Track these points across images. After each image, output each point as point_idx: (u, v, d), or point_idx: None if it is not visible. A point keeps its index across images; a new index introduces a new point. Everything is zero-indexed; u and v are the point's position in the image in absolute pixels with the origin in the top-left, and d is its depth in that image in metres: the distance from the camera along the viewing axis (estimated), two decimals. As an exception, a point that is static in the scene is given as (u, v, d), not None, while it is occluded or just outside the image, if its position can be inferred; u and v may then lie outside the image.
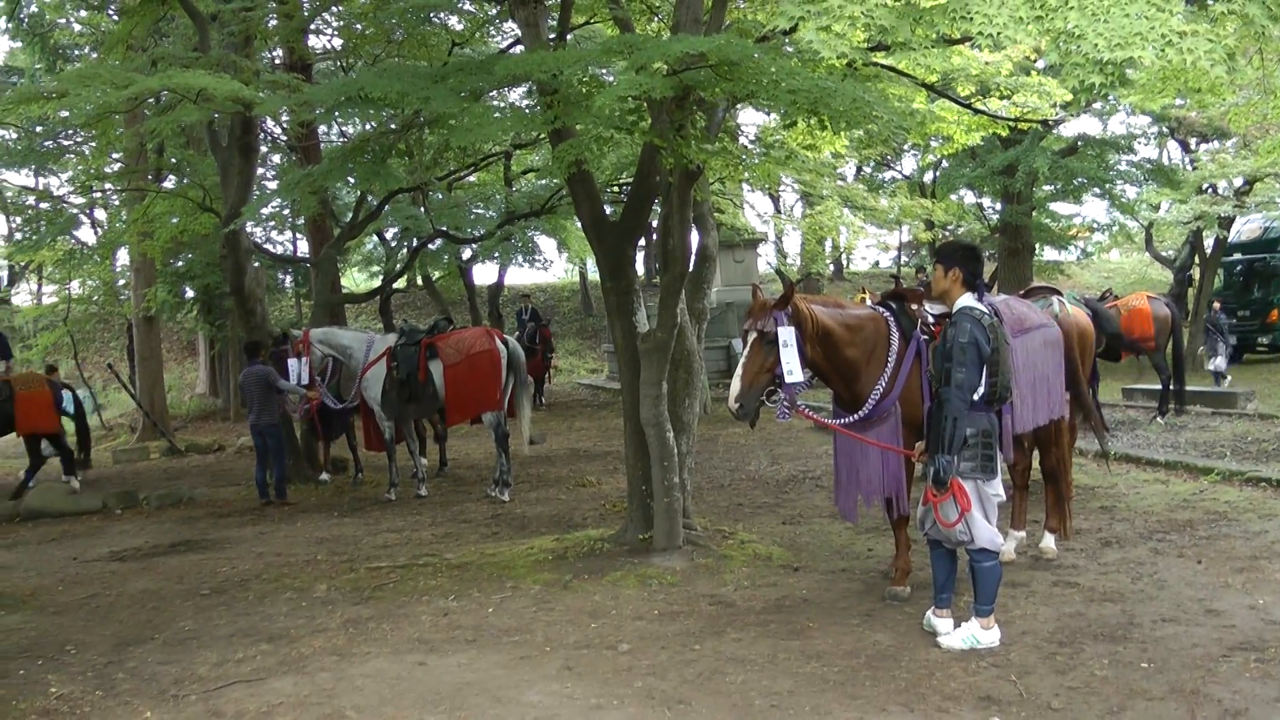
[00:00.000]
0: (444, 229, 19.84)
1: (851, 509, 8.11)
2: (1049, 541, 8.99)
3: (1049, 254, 38.35)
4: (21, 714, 6.49)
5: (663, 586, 8.50)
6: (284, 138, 24.81)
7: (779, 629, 7.31)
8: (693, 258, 9.87)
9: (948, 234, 33.78)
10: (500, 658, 7.01)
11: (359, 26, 18.78)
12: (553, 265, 36.54)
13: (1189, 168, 29.02)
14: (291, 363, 14.23)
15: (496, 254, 25.90)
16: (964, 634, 6.75)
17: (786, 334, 7.40)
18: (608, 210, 10.59)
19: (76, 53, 31.18)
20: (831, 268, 42.35)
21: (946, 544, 6.92)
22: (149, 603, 9.32)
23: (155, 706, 6.52)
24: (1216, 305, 24.00)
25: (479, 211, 21.70)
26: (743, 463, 15.26)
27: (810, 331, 7.57)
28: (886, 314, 7.93)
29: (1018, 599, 7.71)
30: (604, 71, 10.08)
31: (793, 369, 7.39)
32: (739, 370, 7.58)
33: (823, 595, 8.13)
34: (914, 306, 7.96)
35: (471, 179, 24.08)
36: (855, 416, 7.74)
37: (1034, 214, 28.45)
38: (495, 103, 11.00)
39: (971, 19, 5.81)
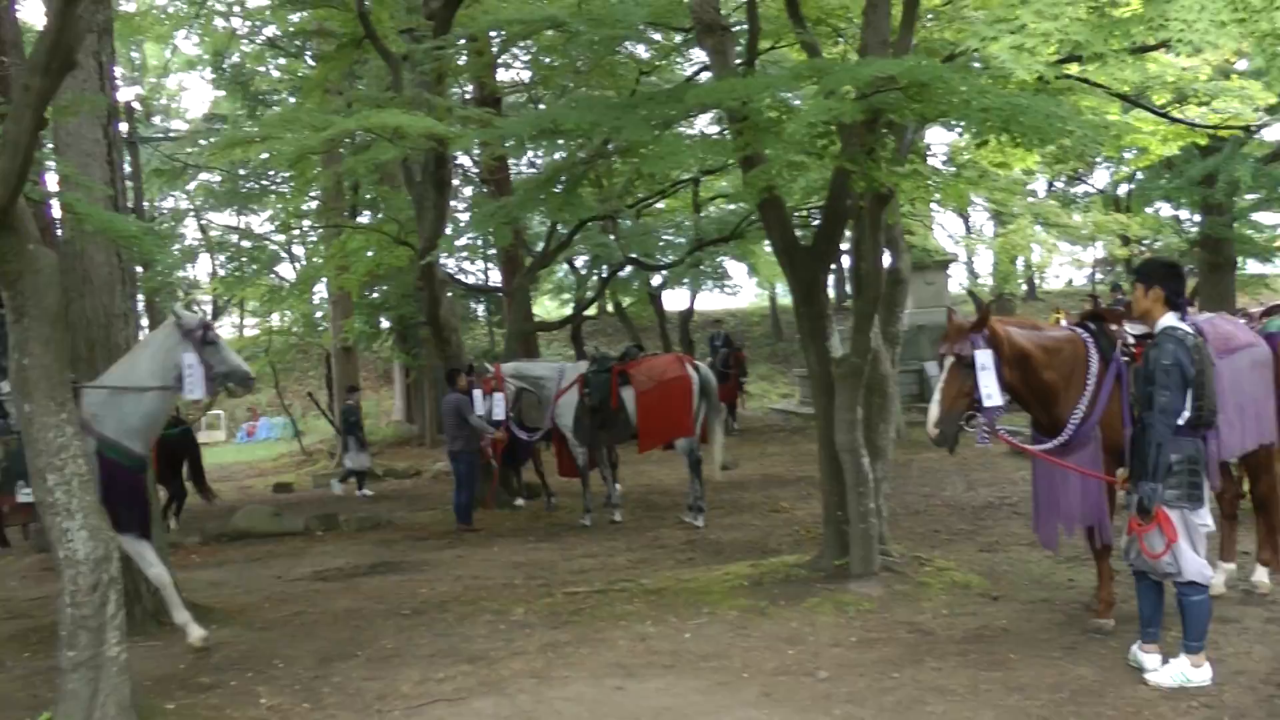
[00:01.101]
0: (634, 256, 20.02)
1: (1052, 537, 7.90)
2: (1261, 575, 8.48)
3: (1252, 267, 36.84)
4: (234, 722, 6.72)
5: (860, 613, 8.41)
6: (475, 170, 25.35)
7: (979, 659, 7.16)
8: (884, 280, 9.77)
9: (1144, 250, 32.67)
10: (698, 683, 7.01)
11: (547, 59, 19.12)
12: (742, 290, 36.49)
13: None
14: (479, 396, 14.45)
15: (687, 280, 26.03)
16: (1173, 671, 6.49)
17: (984, 357, 7.25)
18: (798, 234, 10.53)
19: (275, 98, 32.30)
20: (1024, 287, 41.38)
21: (1152, 576, 6.64)
22: (351, 621, 9.60)
23: (360, 720, 6.72)
24: None
25: (668, 238, 21.82)
26: (938, 488, 15.01)
27: (1007, 354, 7.39)
28: (1085, 335, 7.69)
29: (1229, 636, 7.37)
30: (791, 96, 10.05)
31: (991, 393, 7.24)
32: (936, 395, 7.45)
33: (1023, 626, 7.93)
34: (1113, 327, 7.72)
35: (660, 205, 24.24)
36: (1055, 442, 7.56)
37: (1236, 225, 27.23)
38: (684, 130, 11.08)
39: (1168, 25, 5.64)
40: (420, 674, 7.64)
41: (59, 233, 11.64)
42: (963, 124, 8.49)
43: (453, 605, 9.92)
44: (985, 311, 7.42)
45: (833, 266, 21.07)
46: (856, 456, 9.17)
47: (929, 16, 11.36)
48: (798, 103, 9.15)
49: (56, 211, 12.34)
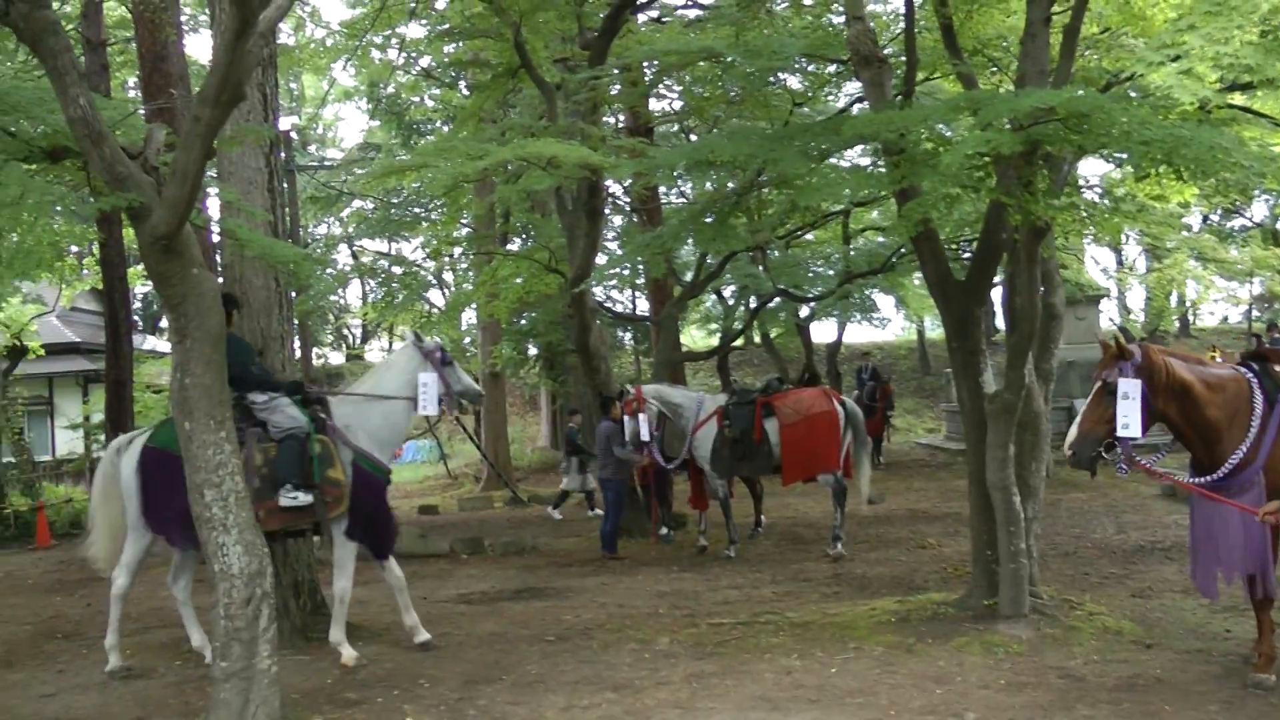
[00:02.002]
0: (783, 287, 19.93)
1: (1210, 584, 7.62)
2: None
3: None
4: (381, 741, 6.81)
5: (1009, 655, 8.24)
6: (625, 199, 25.51)
7: (1132, 709, 6.95)
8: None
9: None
10: (845, 719, 6.92)
11: (699, 90, 19.17)
12: (890, 323, 36.18)
13: None
14: (628, 421, 14.40)
15: (835, 311, 25.83)
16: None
17: (1128, 386, 7.09)
18: (950, 268, 10.40)
19: (429, 127, 32.89)
20: (1177, 324, 40.40)
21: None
22: (496, 644, 9.69)
23: (506, 746, 6.76)
24: None
25: (818, 269, 21.68)
26: (1087, 530, 14.64)
27: (1163, 384, 7.22)
28: (1249, 375, 7.49)
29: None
30: (944, 128, 9.94)
31: (1129, 422, 7.07)
32: (1077, 419, 7.40)
33: (1178, 676, 7.68)
34: (1277, 368, 7.50)
35: (809, 237, 24.13)
36: (1211, 478, 7.33)
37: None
38: (835, 162, 11.03)
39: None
40: (565, 700, 7.67)
41: (218, 257, 12.00)
42: (1123, 156, 8.31)
43: (597, 632, 9.96)
44: (1140, 342, 7.27)
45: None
46: (1008, 494, 9.00)
47: (1084, 46, 11.15)
48: (951, 135, 9.06)
49: (215, 237, 12.75)
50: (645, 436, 14.42)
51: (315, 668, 8.93)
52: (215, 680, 6.67)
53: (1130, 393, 7.09)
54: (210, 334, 6.72)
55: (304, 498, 8.89)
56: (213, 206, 11.04)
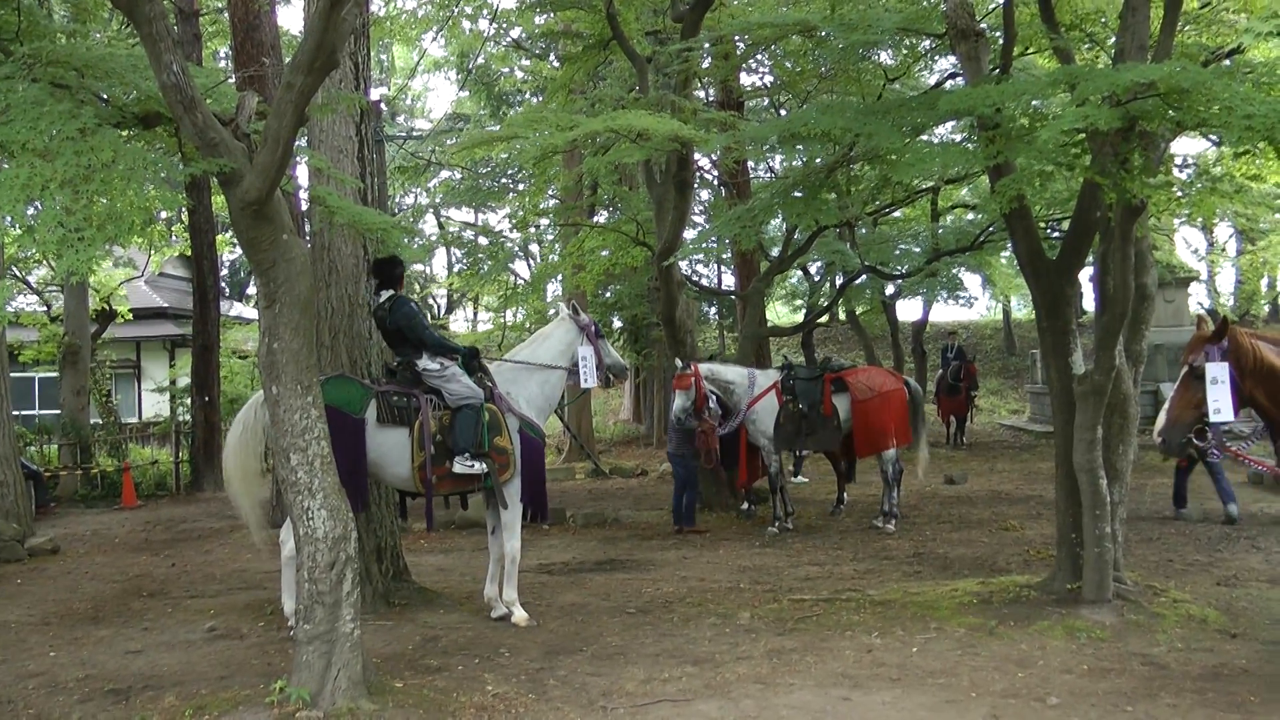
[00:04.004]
0: (870, 264, 19.78)
1: None
2: None
3: None
4: (461, 707, 6.88)
5: (1091, 640, 8.12)
6: (713, 173, 25.41)
7: (1217, 699, 6.81)
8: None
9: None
10: (925, 699, 6.88)
11: (790, 64, 19.06)
12: (976, 302, 35.83)
13: None
14: (678, 395, 14.34)
15: (922, 289, 25.63)
16: None
17: (1217, 370, 6.97)
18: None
19: (518, 98, 32.94)
20: (1267, 308, 39.66)
21: None
22: (577, 615, 9.73)
23: (585, 715, 6.81)
24: None
25: (905, 247, 21.49)
26: (1170, 517, 14.44)
27: (1250, 368, 7.07)
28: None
29: None
30: (1039, 104, 9.79)
31: (1220, 407, 6.95)
32: (1166, 405, 7.32)
33: (1264, 668, 7.51)
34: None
35: (897, 214, 23.93)
36: None
37: None
38: (927, 138, 10.91)
39: None
40: (645, 673, 7.69)
41: (306, 225, 12.10)
42: (1223, 133, 8.13)
43: (677, 606, 9.97)
44: (1224, 324, 7.13)
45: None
46: (1095, 477, 8.87)
47: (1184, 22, 10.95)
48: (1047, 111, 8.91)
49: (304, 204, 12.85)
50: (713, 416, 14.48)
51: (397, 633, 9.01)
52: (298, 643, 6.75)
53: (1219, 377, 6.98)
54: (299, 299, 6.77)
55: (479, 466, 9.24)
56: (302, 174, 11.11)
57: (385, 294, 9.55)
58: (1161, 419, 7.25)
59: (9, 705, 7.29)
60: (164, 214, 26.11)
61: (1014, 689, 7.07)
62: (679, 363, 14.66)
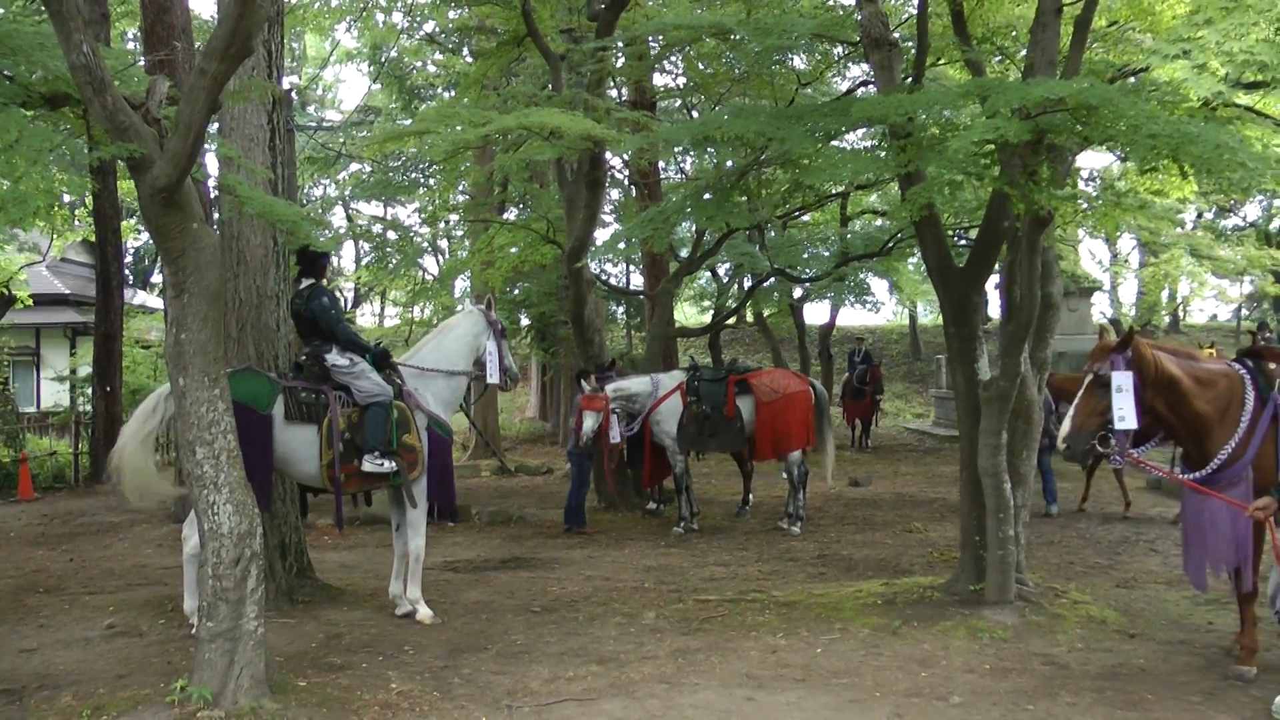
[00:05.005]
0: (779, 267, 19.95)
1: (1201, 577, 7.67)
2: None
3: None
4: (365, 705, 6.85)
5: (994, 640, 8.28)
6: (624, 172, 25.48)
7: (1115, 698, 6.99)
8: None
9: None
10: (829, 699, 6.97)
11: (704, 66, 19.16)
12: (883, 307, 36.24)
13: None
14: (586, 416, 14.36)
15: (830, 294, 25.90)
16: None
17: (1121, 379, 7.16)
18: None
19: (430, 92, 32.76)
20: (1167, 319, 40.52)
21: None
22: (482, 613, 9.72)
23: (490, 714, 6.81)
24: None
25: (814, 250, 21.70)
26: (1072, 520, 14.73)
27: (1152, 377, 7.27)
28: (1243, 371, 7.53)
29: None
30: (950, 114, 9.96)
31: (1125, 415, 7.13)
32: (1070, 411, 7.44)
33: (1160, 666, 7.72)
34: (1272, 366, 7.54)
35: (806, 218, 24.14)
36: (1199, 474, 7.40)
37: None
38: (838, 144, 11.05)
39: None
40: (550, 671, 7.71)
41: (215, 214, 11.96)
42: (1129, 150, 8.33)
43: (583, 605, 10.00)
44: (1129, 334, 7.33)
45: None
46: (999, 481, 9.04)
47: (1091, 39, 11.16)
48: (958, 121, 9.06)
49: (213, 193, 12.71)
50: (616, 438, 14.61)
51: (299, 631, 8.93)
52: (200, 640, 6.65)
53: (1124, 385, 7.15)
54: (208, 290, 6.69)
55: (389, 464, 9.17)
56: (210, 163, 10.97)
57: (306, 282, 9.49)
58: (1066, 426, 7.40)
59: (-106, 706, 7.14)
60: (67, 197, 25.66)
61: (917, 688, 7.19)
62: (585, 385, 14.71)
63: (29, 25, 7.80)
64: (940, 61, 13.90)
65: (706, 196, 11.83)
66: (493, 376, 10.23)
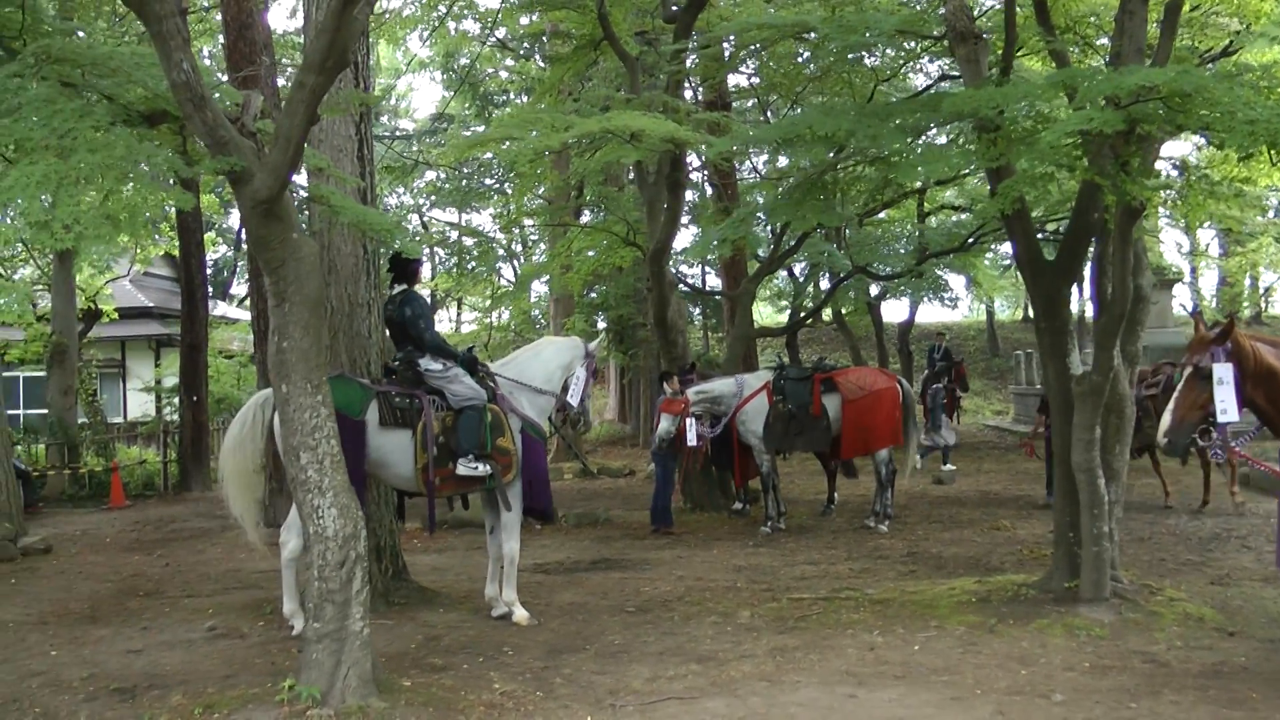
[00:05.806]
0: (860, 265, 19.86)
1: None
2: None
3: None
4: (470, 705, 6.90)
5: (1091, 639, 8.16)
6: (701, 174, 25.47)
7: (1219, 696, 6.84)
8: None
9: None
10: (931, 696, 6.91)
11: (773, 65, 19.13)
12: (960, 303, 35.95)
13: None
14: (663, 419, 14.64)
15: (907, 291, 25.74)
16: None
17: (1223, 370, 7.03)
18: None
19: (503, 99, 32.94)
20: (1249, 310, 39.86)
21: None
22: (577, 614, 9.76)
23: (595, 713, 6.82)
24: None
25: (892, 248, 21.58)
26: (1161, 516, 14.53)
27: (1252, 369, 7.14)
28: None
29: None
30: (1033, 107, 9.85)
31: (1227, 407, 7.00)
32: (1170, 405, 7.32)
33: (1263, 665, 7.55)
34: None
35: (882, 215, 24.02)
36: None
37: None
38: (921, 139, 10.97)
39: None
40: (650, 671, 7.71)
41: (305, 224, 12.09)
42: (1226, 137, 8.19)
43: (677, 605, 10.01)
44: (1230, 324, 7.19)
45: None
46: (1093, 477, 8.91)
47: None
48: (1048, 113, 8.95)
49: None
50: (692, 441, 14.68)
51: (398, 633, 9.02)
52: (307, 641, 6.77)
53: (1225, 378, 7.03)
54: (309, 298, 6.78)
55: (483, 468, 9.25)
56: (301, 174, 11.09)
57: (399, 288, 9.58)
58: (1167, 420, 7.27)
59: (14, 704, 7.27)
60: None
61: (1018, 686, 7.11)
62: (667, 388, 14.81)
63: (126, 48, 7.94)
64: (1020, 54, 13.75)
65: (782, 198, 11.80)
66: (575, 398, 10.39)
